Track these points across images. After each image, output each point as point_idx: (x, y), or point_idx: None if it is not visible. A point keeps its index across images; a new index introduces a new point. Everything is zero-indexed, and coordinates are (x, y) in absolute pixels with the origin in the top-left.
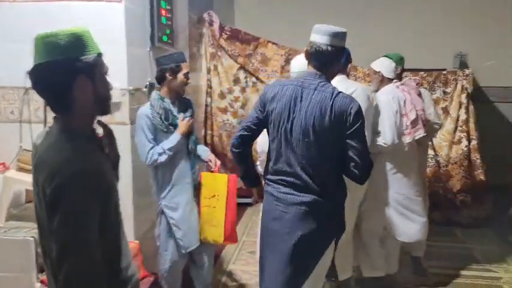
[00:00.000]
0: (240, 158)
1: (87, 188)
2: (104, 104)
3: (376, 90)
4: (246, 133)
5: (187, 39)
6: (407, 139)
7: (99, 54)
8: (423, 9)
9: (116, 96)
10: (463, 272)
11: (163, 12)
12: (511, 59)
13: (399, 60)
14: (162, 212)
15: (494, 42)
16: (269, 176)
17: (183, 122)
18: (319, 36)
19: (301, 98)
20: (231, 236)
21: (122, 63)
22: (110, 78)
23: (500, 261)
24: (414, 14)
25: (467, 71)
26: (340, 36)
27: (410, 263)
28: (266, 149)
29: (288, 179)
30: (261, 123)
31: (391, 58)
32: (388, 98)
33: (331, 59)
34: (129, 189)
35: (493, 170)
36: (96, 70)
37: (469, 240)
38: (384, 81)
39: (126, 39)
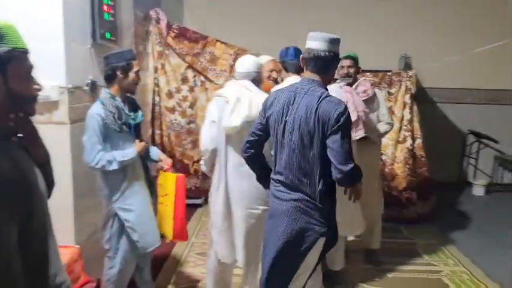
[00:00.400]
0: (249, 161)
1: None
2: (22, 104)
3: None
4: (252, 138)
5: (133, 37)
6: None
7: (22, 50)
8: (369, 11)
9: (53, 94)
10: (406, 267)
11: (105, 8)
12: (453, 62)
13: (354, 61)
14: (115, 215)
15: (437, 45)
16: (272, 176)
17: (140, 143)
18: (317, 43)
19: (293, 102)
20: (180, 234)
21: (59, 60)
22: (42, 75)
23: (441, 255)
24: (361, 16)
25: (410, 73)
26: (336, 42)
27: (365, 256)
28: (209, 148)
29: (282, 178)
30: (264, 128)
31: (353, 58)
32: None
33: (329, 64)
34: (69, 191)
35: (437, 168)
36: (9, 65)
37: (412, 236)
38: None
39: (65, 35)
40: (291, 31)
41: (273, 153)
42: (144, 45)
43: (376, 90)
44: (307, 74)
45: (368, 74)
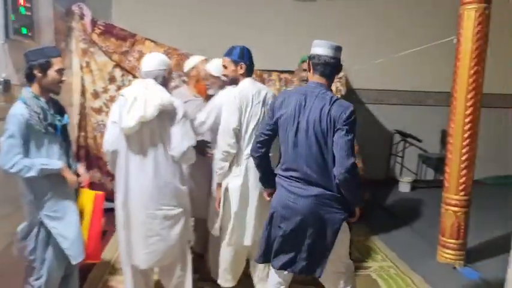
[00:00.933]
0: (260, 160)
1: None
2: None
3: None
4: (261, 138)
5: (53, 33)
6: None
7: None
8: (296, 13)
9: None
10: None
11: (21, 1)
12: (380, 64)
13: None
14: (41, 223)
15: (365, 48)
16: (280, 172)
17: (71, 177)
18: (324, 49)
19: (305, 104)
20: (93, 254)
21: None
22: None
23: (369, 251)
24: (289, 18)
25: (340, 74)
26: (340, 50)
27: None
28: (110, 149)
29: (296, 174)
30: (272, 128)
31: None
32: None
33: (334, 70)
34: None
35: (366, 166)
36: None
37: None
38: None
39: None
40: (224, 30)
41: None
42: (67, 42)
43: None
44: (315, 77)
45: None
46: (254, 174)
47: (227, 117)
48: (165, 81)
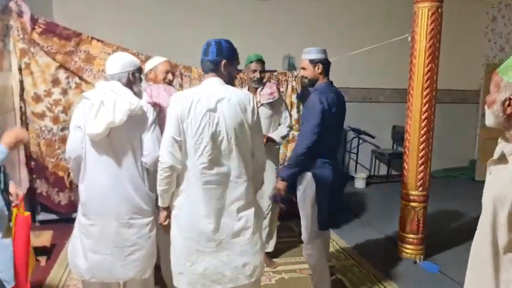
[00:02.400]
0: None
1: None
2: None
3: None
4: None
5: None
6: None
7: None
8: (252, 11)
9: None
10: (301, 266)
11: None
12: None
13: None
14: None
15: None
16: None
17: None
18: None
19: (341, 101)
20: (17, 283)
21: None
22: None
23: (332, 250)
24: (244, 15)
25: (295, 72)
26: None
27: None
28: (72, 155)
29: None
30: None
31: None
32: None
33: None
34: None
35: None
36: None
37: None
38: None
39: None
40: (173, 29)
41: None
42: (4, 42)
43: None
44: (326, 79)
45: None
46: None
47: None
48: (129, 83)
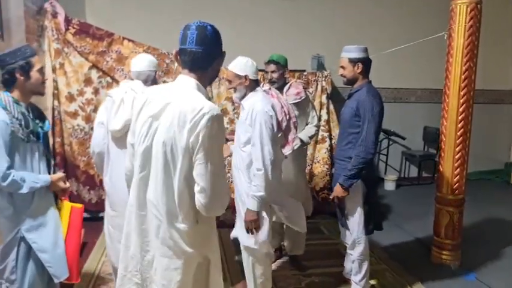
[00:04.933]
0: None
1: None
2: None
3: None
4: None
5: (24, 33)
6: (287, 150)
7: None
8: (279, 11)
9: None
10: (331, 270)
11: None
12: None
13: (285, 61)
14: (21, 238)
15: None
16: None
17: (58, 175)
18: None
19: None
20: (70, 275)
21: None
22: None
23: None
24: (272, 16)
25: (326, 72)
26: None
27: (290, 262)
28: (95, 150)
29: None
30: None
31: (276, 61)
32: (267, 107)
33: None
34: None
35: None
36: None
37: (334, 236)
38: (250, 85)
39: None
40: None
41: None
42: (39, 42)
43: (307, 92)
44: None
45: None
46: None
47: None
48: (154, 83)
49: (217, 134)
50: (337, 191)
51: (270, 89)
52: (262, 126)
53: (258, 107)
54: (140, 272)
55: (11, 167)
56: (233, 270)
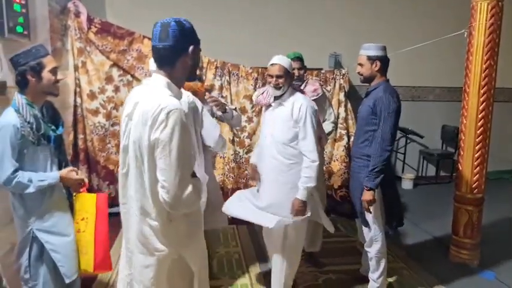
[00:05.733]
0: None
1: None
2: None
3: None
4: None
5: (49, 32)
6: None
7: None
8: (298, 9)
9: None
10: (348, 267)
11: None
12: None
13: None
14: (33, 238)
15: (365, 43)
16: None
17: (67, 170)
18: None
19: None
20: (103, 263)
21: None
22: None
23: None
24: (290, 14)
25: (343, 71)
26: None
27: (306, 259)
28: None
29: None
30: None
31: (301, 58)
32: (312, 102)
33: None
34: None
35: None
36: None
37: (351, 234)
38: (290, 82)
39: None
40: (222, 29)
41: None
42: (63, 41)
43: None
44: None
45: None
46: None
47: None
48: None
49: (175, 128)
50: (366, 195)
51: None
52: (312, 119)
53: (305, 103)
54: (128, 269)
55: (18, 170)
56: (252, 266)
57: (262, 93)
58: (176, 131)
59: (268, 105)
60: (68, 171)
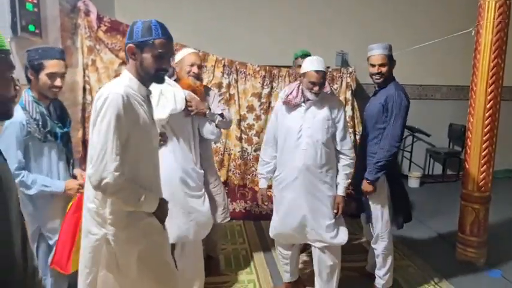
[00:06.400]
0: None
1: None
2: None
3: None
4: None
5: (59, 31)
6: None
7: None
8: (305, 7)
9: None
10: (357, 264)
11: None
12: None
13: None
14: (41, 235)
15: (372, 42)
16: None
17: (73, 182)
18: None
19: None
20: (59, 262)
21: None
22: None
23: None
24: (296, 12)
25: (350, 69)
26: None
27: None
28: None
29: None
30: None
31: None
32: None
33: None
34: None
35: None
36: None
37: (358, 232)
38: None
39: None
40: (230, 27)
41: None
42: (73, 40)
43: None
44: None
45: None
46: None
47: None
48: (172, 77)
49: (107, 111)
50: (365, 185)
51: None
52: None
53: (339, 103)
54: None
55: (23, 167)
56: (259, 263)
57: (291, 92)
58: (108, 113)
59: (295, 105)
60: (72, 187)
